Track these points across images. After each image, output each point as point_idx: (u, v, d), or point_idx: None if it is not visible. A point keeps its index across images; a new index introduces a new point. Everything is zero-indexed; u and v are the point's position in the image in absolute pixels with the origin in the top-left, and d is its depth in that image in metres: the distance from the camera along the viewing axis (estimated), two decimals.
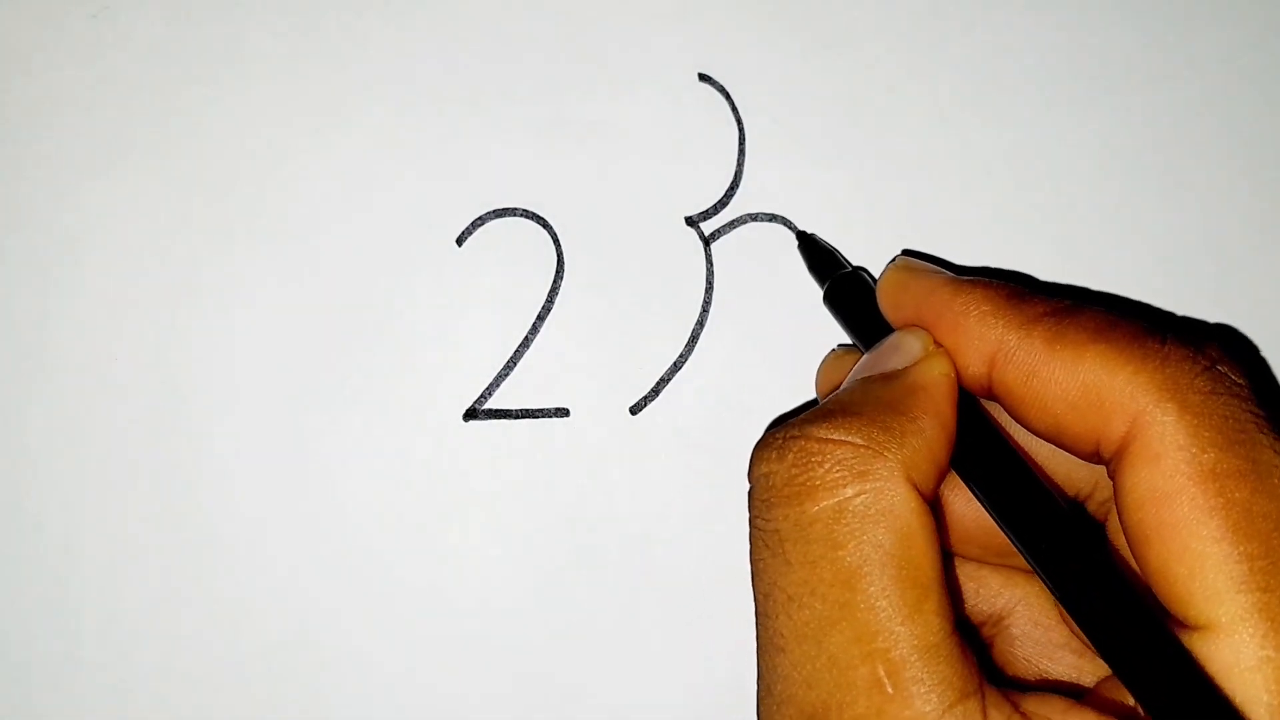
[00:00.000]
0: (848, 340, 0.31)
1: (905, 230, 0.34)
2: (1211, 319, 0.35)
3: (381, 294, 0.34)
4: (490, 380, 0.34)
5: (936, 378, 0.25)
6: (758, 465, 0.24)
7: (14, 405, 0.33)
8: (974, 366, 0.25)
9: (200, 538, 0.33)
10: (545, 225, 0.34)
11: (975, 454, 0.25)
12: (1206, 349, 0.23)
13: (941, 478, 0.24)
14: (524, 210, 0.34)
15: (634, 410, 0.34)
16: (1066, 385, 0.23)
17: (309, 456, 0.34)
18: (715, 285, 0.34)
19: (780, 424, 0.25)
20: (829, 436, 0.23)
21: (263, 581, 0.33)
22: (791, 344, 0.34)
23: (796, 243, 0.33)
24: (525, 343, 0.34)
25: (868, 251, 0.34)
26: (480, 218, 0.34)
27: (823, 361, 0.32)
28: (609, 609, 0.34)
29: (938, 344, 0.26)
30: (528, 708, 0.34)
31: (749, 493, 0.25)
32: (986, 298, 0.25)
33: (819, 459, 0.23)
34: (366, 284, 0.34)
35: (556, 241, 0.34)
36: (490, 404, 0.34)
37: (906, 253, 0.34)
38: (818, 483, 0.23)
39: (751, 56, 0.34)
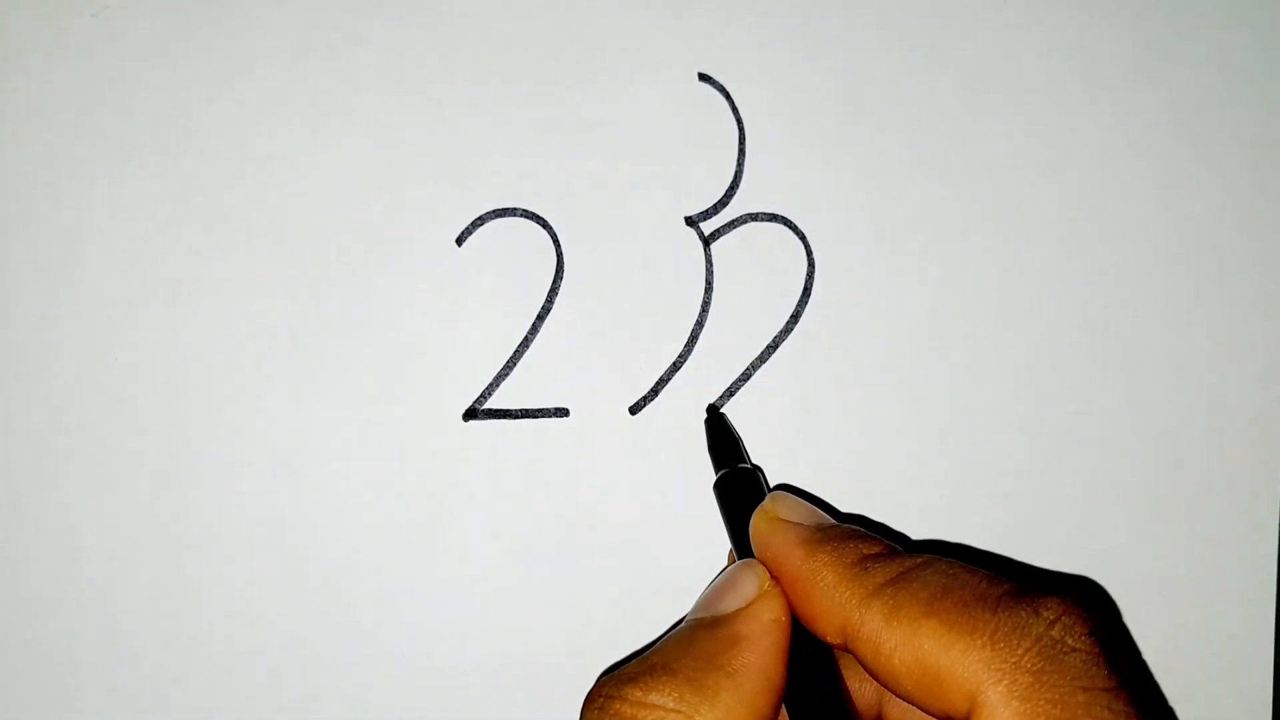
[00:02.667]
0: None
1: (905, 230, 0.34)
2: (1211, 319, 0.35)
3: (381, 294, 0.34)
4: (490, 380, 0.34)
5: (764, 624, 0.25)
6: None
7: (14, 405, 0.33)
8: (830, 636, 0.25)
9: (200, 537, 0.33)
10: (545, 225, 0.34)
11: (802, 703, 0.25)
12: (1042, 610, 0.22)
13: None
14: (524, 210, 0.34)
15: (634, 410, 0.34)
16: (907, 661, 0.23)
17: (309, 456, 0.34)
18: (715, 285, 0.34)
19: (612, 671, 0.25)
20: (642, 700, 0.23)
21: (262, 581, 0.33)
22: (791, 344, 0.34)
23: (705, 420, 0.33)
24: (525, 343, 0.34)
25: (868, 251, 0.34)
26: (480, 218, 0.34)
27: (728, 554, 0.31)
28: (609, 609, 0.34)
29: (775, 579, 0.26)
30: (528, 707, 0.34)
31: None
32: (831, 565, 0.25)
33: None
34: (366, 284, 0.34)
35: (556, 241, 0.34)
36: (490, 404, 0.34)
37: (781, 487, 0.33)
38: None
39: (751, 56, 0.34)
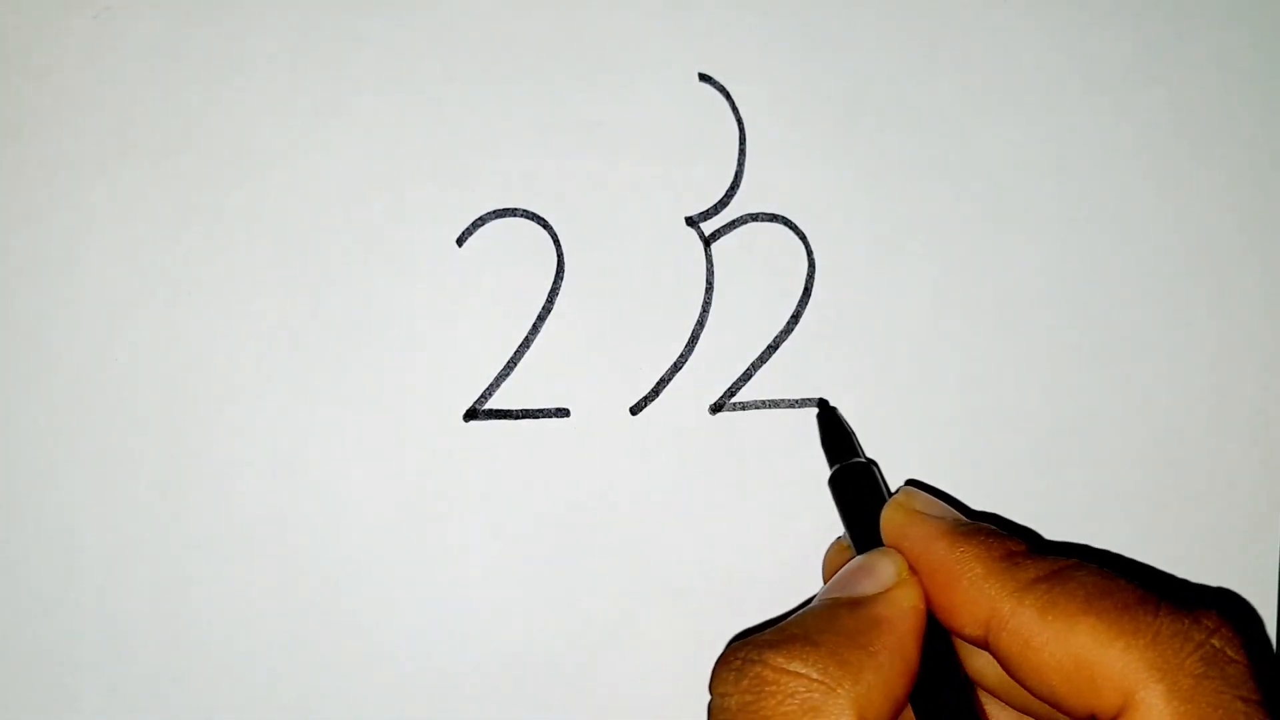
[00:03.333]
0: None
1: (905, 230, 0.34)
2: (1211, 319, 0.35)
3: (381, 294, 0.34)
4: (490, 380, 0.34)
5: (904, 610, 0.25)
6: (716, 684, 0.24)
7: (14, 405, 0.33)
8: (969, 628, 0.25)
9: (200, 537, 0.33)
10: (545, 225, 0.34)
11: (931, 695, 0.25)
12: (1202, 619, 0.23)
13: (897, 713, 0.24)
14: (524, 210, 0.34)
15: (634, 410, 0.34)
16: (1060, 657, 0.23)
17: (309, 456, 0.33)
18: (715, 285, 0.34)
19: (747, 637, 0.25)
20: (784, 667, 0.23)
21: (262, 581, 0.33)
22: (792, 344, 0.34)
23: (816, 415, 0.33)
24: (525, 343, 0.34)
25: (868, 251, 0.34)
26: (480, 218, 0.34)
27: (828, 551, 0.32)
28: (609, 609, 0.34)
29: (912, 569, 0.26)
30: (528, 707, 0.34)
31: (708, 707, 0.25)
32: (980, 558, 0.25)
33: (772, 689, 0.23)
34: (366, 284, 0.34)
35: (556, 241, 0.34)
36: (490, 404, 0.34)
37: (910, 483, 0.34)
38: (768, 714, 0.23)
39: (751, 56, 0.34)
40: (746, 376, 0.34)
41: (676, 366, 0.34)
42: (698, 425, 0.34)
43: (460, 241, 0.34)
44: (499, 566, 0.34)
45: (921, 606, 0.25)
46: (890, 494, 0.29)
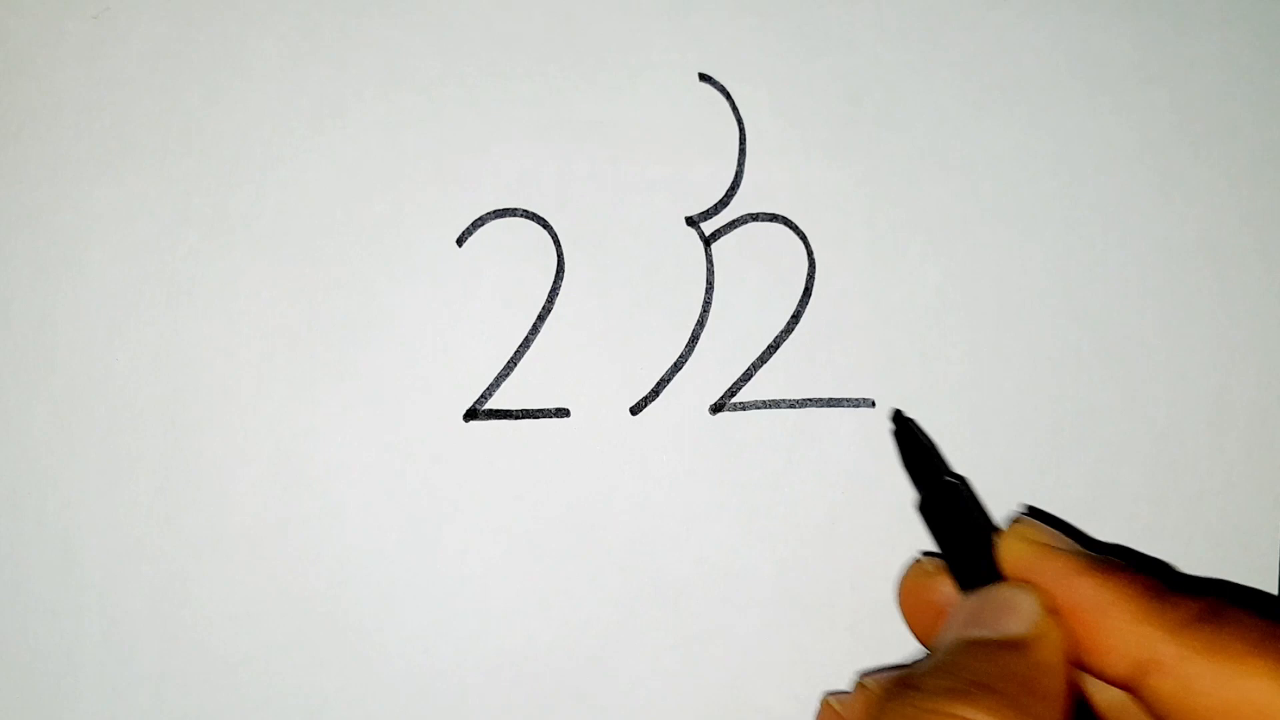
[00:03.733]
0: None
1: (906, 230, 0.34)
2: (1212, 319, 0.35)
3: (381, 294, 0.34)
4: (490, 380, 0.34)
5: (1060, 655, 0.24)
6: None
7: (15, 405, 0.33)
8: (1118, 668, 0.24)
9: (200, 537, 0.33)
10: (545, 225, 0.34)
11: None
12: None
13: None
14: (524, 210, 0.34)
15: (634, 410, 0.34)
16: (1229, 699, 0.22)
17: (309, 456, 0.33)
18: (715, 285, 0.34)
19: (908, 680, 0.23)
20: (971, 719, 0.22)
21: (262, 582, 0.33)
22: (792, 344, 0.34)
23: (892, 431, 0.31)
24: (525, 343, 0.34)
25: (869, 251, 0.34)
26: (480, 218, 0.34)
27: (907, 574, 0.30)
28: (609, 609, 0.34)
29: (1050, 610, 0.25)
30: (528, 707, 0.34)
31: None
32: (1131, 595, 0.24)
33: None
34: (366, 284, 0.34)
35: (556, 241, 0.34)
36: (490, 404, 0.34)
37: (1028, 511, 0.33)
38: None
39: (751, 56, 0.34)
40: (746, 376, 0.34)
41: (676, 366, 0.34)
42: (698, 425, 0.34)
43: (460, 241, 0.34)
44: (499, 566, 0.34)
45: (1067, 646, 0.24)
46: (986, 514, 0.28)
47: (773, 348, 0.34)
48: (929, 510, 0.29)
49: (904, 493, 0.34)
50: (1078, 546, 0.26)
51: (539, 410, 0.34)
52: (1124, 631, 0.24)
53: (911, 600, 0.29)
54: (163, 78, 0.34)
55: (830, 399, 0.34)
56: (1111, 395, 0.34)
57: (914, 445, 0.30)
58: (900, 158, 0.34)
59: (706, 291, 0.34)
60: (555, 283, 0.34)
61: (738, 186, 0.34)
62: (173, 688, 0.33)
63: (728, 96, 0.34)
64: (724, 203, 0.34)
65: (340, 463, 0.34)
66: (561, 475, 0.34)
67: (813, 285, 0.34)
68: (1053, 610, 0.25)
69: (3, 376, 0.33)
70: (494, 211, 0.34)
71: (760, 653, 0.34)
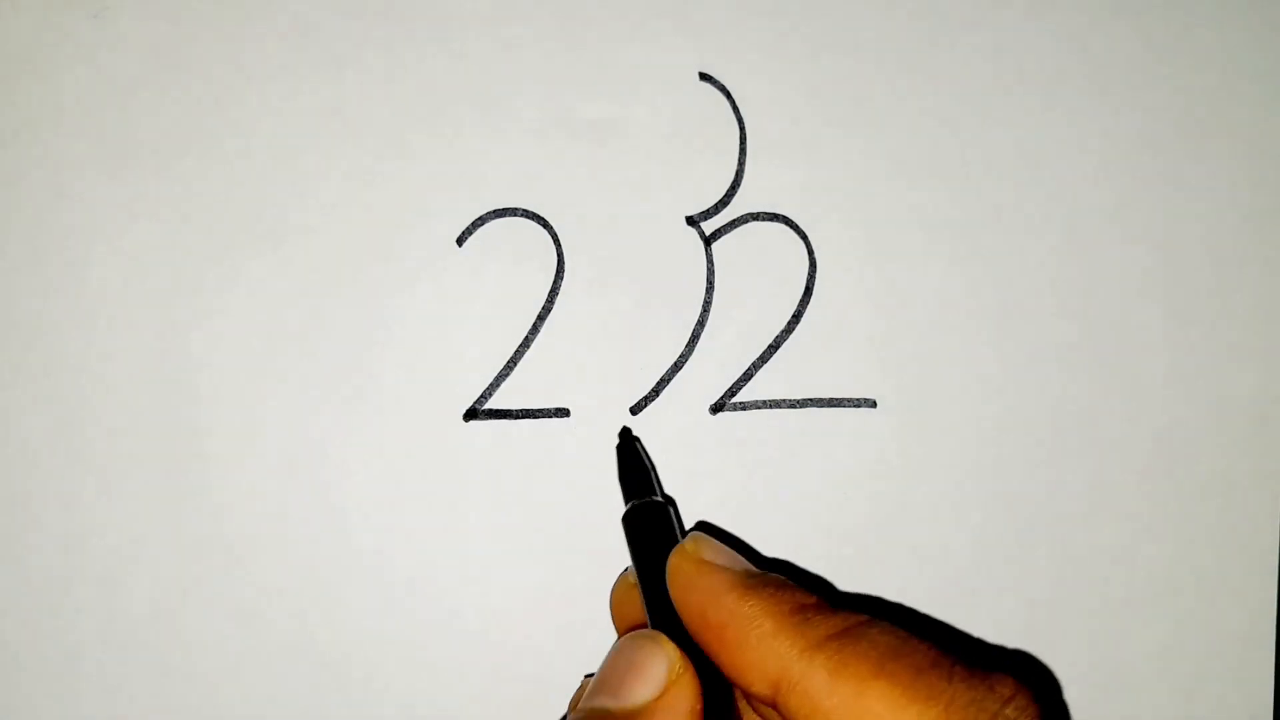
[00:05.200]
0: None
1: (905, 230, 0.34)
2: (1212, 319, 0.35)
3: (381, 294, 0.34)
4: (490, 380, 0.34)
5: (691, 706, 0.24)
6: None
7: (15, 405, 0.33)
8: (757, 686, 0.23)
9: (201, 537, 0.33)
10: (545, 225, 0.34)
11: None
12: (996, 687, 0.22)
13: None
14: (524, 210, 0.34)
15: (634, 410, 0.34)
16: (850, 719, 0.22)
17: (309, 456, 0.33)
18: (716, 285, 0.34)
19: None
20: None
21: (263, 581, 0.33)
22: (793, 344, 0.34)
23: (616, 446, 0.32)
24: (525, 343, 0.34)
25: (868, 250, 0.34)
26: (480, 218, 0.34)
27: (616, 586, 0.30)
28: (608, 608, 0.34)
29: (684, 656, 0.25)
30: (527, 707, 0.34)
31: None
32: (770, 612, 0.24)
33: None
34: (366, 284, 0.34)
35: (556, 241, 0.34)
36: (490, 404, 0.34)
37: (700, 525, 0.33)
38: None
39: (751, 56, 0.34)
40: (747, 376, 0.34)
41: (676, 366, 0.34)
42: (698, 425, 0.34)
43: (460, 241, 0.34)
44: (499, 566, 0.34)
45: (698, 706, 0.24)
46: (676, 535, 0.28)
47: (773, 348, 0.34)
48: (630, 525, 0.30)
49: (904, 491, 0.34)
50: (742, 564, 0.26)
51: (539, 410, 0.34)
52: (761, 649, 0.23)
53: (619, 612, 0.30)
54: (162, 77, 0.34)
55: (830, 399, 0.34)
56: (1111, 395, 0.35)
57: (632, 461, 0.31)
58: (900, 158, 0.34)
59: (706, 291, 0.34)
60: (555, 283, 0.34)
61: (738, 186, 0.34)
62: (173, 687, 0.33)
63: (728, 96, 0.34)
64: (724, 203, 0.34)
65: (341, 462, 0.34)
66: (561, 475, 0.34)
67: (813, 285, 0.34)
68: (687, 663, 0.25)
69: (3, 376, 0.33)
70: (494, 211, 0.34)
71: None
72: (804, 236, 0.34)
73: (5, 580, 0.33)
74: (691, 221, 0.34)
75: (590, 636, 0.34)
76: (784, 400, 0.34)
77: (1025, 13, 0.35)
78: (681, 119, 0.34)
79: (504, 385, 0.34)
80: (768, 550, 0.34)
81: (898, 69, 0.35)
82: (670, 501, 0.30)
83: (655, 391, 0.34)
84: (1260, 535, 0.35)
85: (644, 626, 0.27)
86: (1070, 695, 0.34)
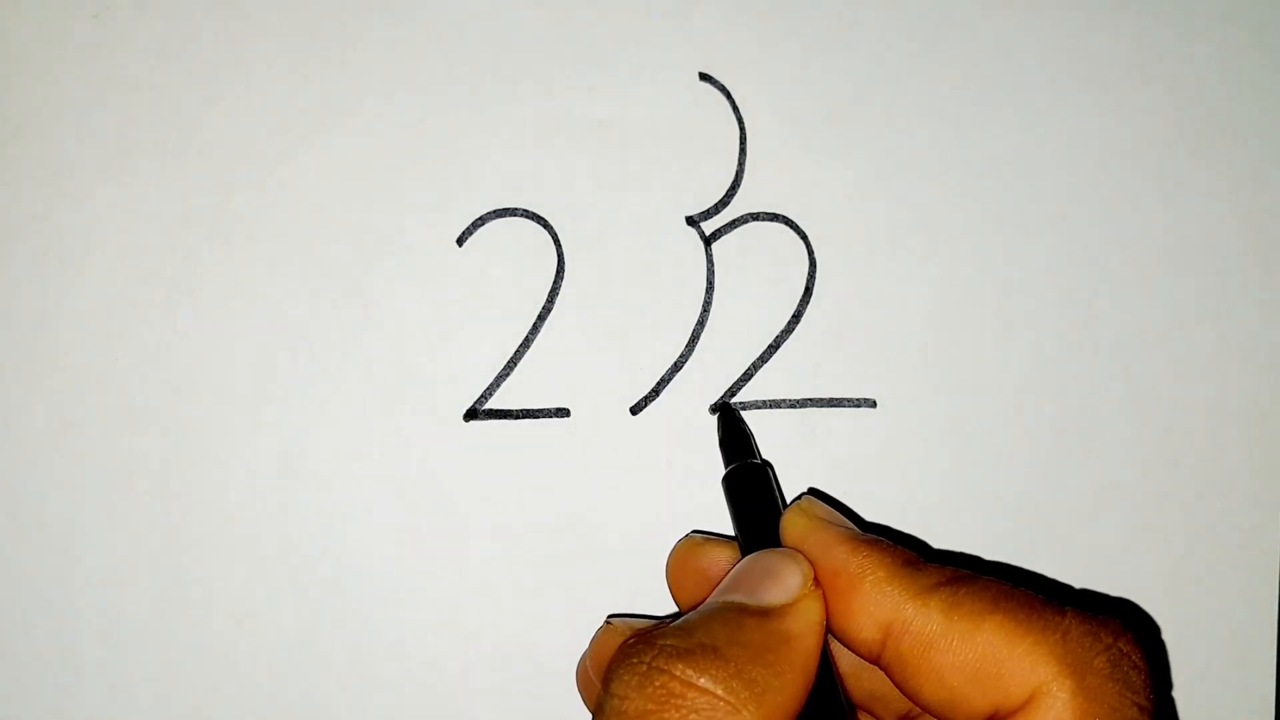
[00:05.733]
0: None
1: (905, 230, 0.34)
2: (1211, 319, 0.35)
3: (382, 294, 0.34)
4: (490, 380, 0.34)
5: (812, 625, 0.25)
6: (616, 684, 0.23)
7: (15, 405, 0.33)
8: (866, 632, 0.24)
9: (200, 538, 0.33)
10: (545, 225, 0.34)
11: (817, 714, 0.25)
12: (1108, 624, 0.23)
13: None
14: (524, 210, 0.34)
15: (634, 410, 0.34)
16: (965, 656, 0.23)
17: (309, 456, 0.33)
18: (716, 285, 0.34)
19: (647, 636, 0.24)
20: (693, 681, 0.22)
21: (263, 581, 0.33)
22: (793, 344, 0.34)
23: (716, 416, 0.33)
24: (525, 343, 0.34)
25: (868, 250, 0.34)
26: (480, 218, 0.34)
27: (678, 546, 0.30)
28: (609, 609, 0.34)
29: (816, 581, 0.25)
30: (528, 707, 0.34)
31: (599, 702, 0.24)
32: (882, 563, 0.25)
33: (678, 701, 0.22)
34: (367, 284, 0.34)
35: (556, 241, 0.34)
36: (490, 404, 0.34)
37: (812, 492, 0.34)
38: None
39: (751, 56, 0.34)
40: (746, 376, 0.34)
41: (676, 366, 0.34)
42: (698, 425, 0.34)
43: (460, 241, 0.34)
44: (499, 566, 0.34)
45: (824, 622, 0.25)
46: (784, 500, 0.29)
47: (773, 348, 0.34)
48: (732, 485, 0.30)
49: (904, 491, 0.34)
50: (850, 524, 0.27)
51: (539, 410, 0.34)
52: (874, 595, 0.24)
53: (679, 569, 0.30)
54: (163, 78, 0.34)
55: (830, 399, 0.34)
56: (1111, 395, 0.35)
57: (733, 428, 0.32)
58: (900, 158, 0.34)
59: (706, 291, 0.34)
60: (555, 283, 0.34)
61: (738, 186, 0.34)
62: (173, 688, 0.33)
63: (728, 96, 0.34)
64: (724, 203, 0.34)
65: (341, 462, 0.34)
66: (561, 475, 0.34)
67: (813, 285, 0.34)
68: (820, 582, 0.26)
69: (3, 376, 0.33)
70: (494, 211, 0.34)
71: None
72: (804, 236, 0.34)
73: (5, 580, 0.33)
74: (691, 221, 0.34)
75: (590, 636, 0.34)
76: (784, 400, 0.34)
77: (1025, 13, 0.35)
78: (681, 119, 0.34)
79: (504, 385, 0.34)
80: None
81: (898, 69, 0.35)
82: (769, 464, 0.31)
83: (655, 391, 0.34)
84: (1261, 535, 0.35)
85: (706, 598, 0.28)
86: None
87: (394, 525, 0.34)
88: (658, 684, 0.23)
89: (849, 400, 0.34)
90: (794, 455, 0.34)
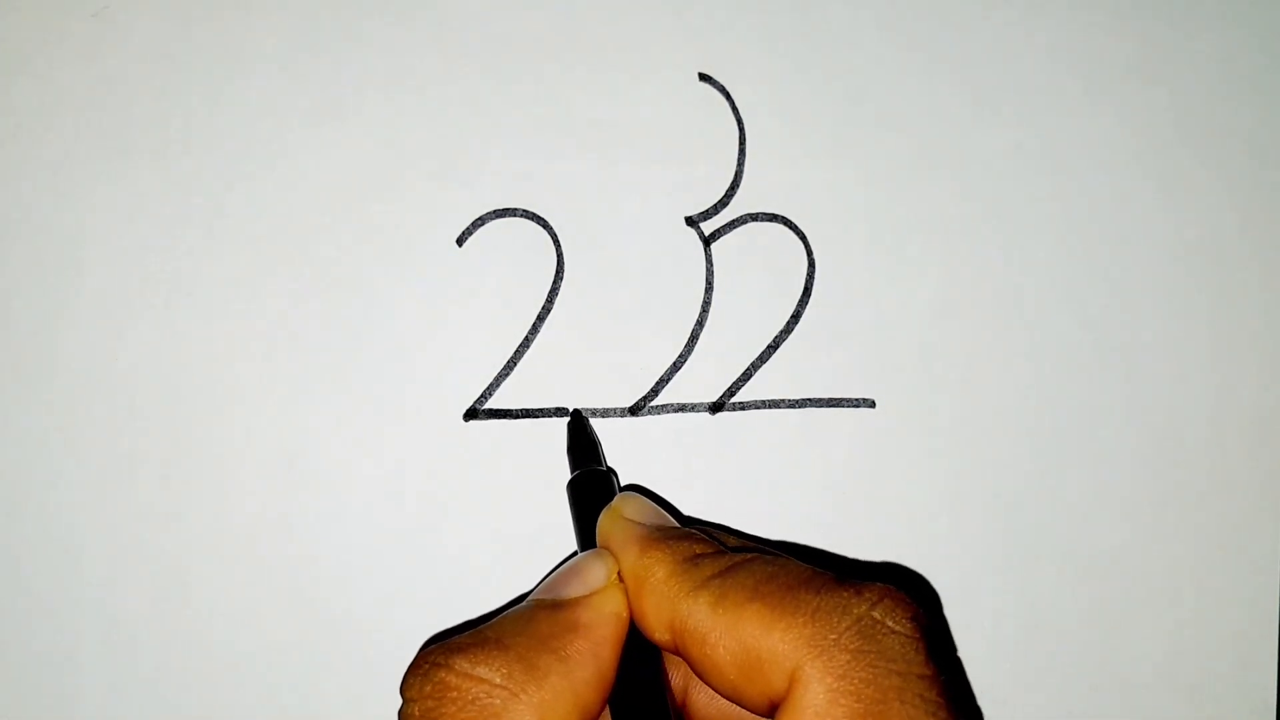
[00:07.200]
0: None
1: (905, 230, 0.34)
2: (1211, 319, 0.35)
3: (381, 294, 0.34)
4: (490, 380, 0.34)
5: (604, 615, 0.25)
6: (404, 688, 0.24)
7: (15, 405, 0.33)
8: (658, 632, 0.24)
9: (201, 538, 0.33)
10: (545, 225, 0.34)
11: (629, 703, 0.25)
12: (864, 592, 0.22)
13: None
14: (524, 210, 0.34)
15: (634, 410, 0.34)
16: (732, 648, 0.23)
17: (309, 456, 0.33)
18: (716, 285, 0.34)
19: (443, 639, 0.24)
20: (468, 671, 0.23)
21: (262, 581, 0.33)
22: (792, 344, 0.34)
23: (567, 423, 0.33)
24: (525, 343, 0.34)
25: (868, 251, 0.34)
26: (480, 218, 0.34)
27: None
28: None
29: (621, 578, 0.25)
30: None
31: (399, 711, 0.24)
32: (663, 561, 0.24)
33: (454, 694, 0.22)
34: (366, 284, 0.34)
35: (556, 241, 0.34)
36: (490, 404, 0.34)
37: (630, 487, 0.33)
38: None
39: (751, 56, 0.34)
40: (746, 376, 0.34)
41: (676, 366, 0.34)
42: (698, 425, 0.34)
43: (460, 241, 0.34)
44: (499, 566, 0.34)
45: (624, 614, 0.25)
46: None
47: (773, 348, 0.34)
48: (573, 491, 0.30)
49: (904, 491, 0.34)
50: (662, 520, 0.27)
51: (539, 410, 0.34)
52: (654, 595, 0.24)
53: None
54: (162, 75, 0.34)
55: (830, 399, 0.34)
56: (1111, 395, 0.35)
57: (581, 435, 0.32)
58: (900, 158, 0.34)
59: (706, 291, 0.34)
60: (555, 283, 0.34)
61: (738, 186, 0.34)
62: (173, 687, 0.33)
63: (728, 96, 0.34)
64: (724, 203, 0.34)
65: (340, 462, 0.34)
66: (561, 475, 0.34)
67: (813, 285, 0.34)
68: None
69: (3, 376, 0.33)
70: (494, 211, 0.34)
71: None
72: (803, 237, 0.34)
73: (5, 580, 0.33)
74: (691, 222, 0.34)
75: None
76: (783, 400, 0.34)
77: (1024, 13, 0.35)
78: (681, 119, 0.34)
79: (504, 385, 0.34)
80: None
81: (898, 69, 0.35)
82: (612, 472, 0.31)
83: (655, 391, 0.34)
84: (1262, 535, 0.35)
85: None
86: (1070, 695, 0.34)
87: (394, 525, 0.34)
88: (436, 680, 0.23)
89: (848, 400, 0.34)
90: (793, 455, 0.34)
